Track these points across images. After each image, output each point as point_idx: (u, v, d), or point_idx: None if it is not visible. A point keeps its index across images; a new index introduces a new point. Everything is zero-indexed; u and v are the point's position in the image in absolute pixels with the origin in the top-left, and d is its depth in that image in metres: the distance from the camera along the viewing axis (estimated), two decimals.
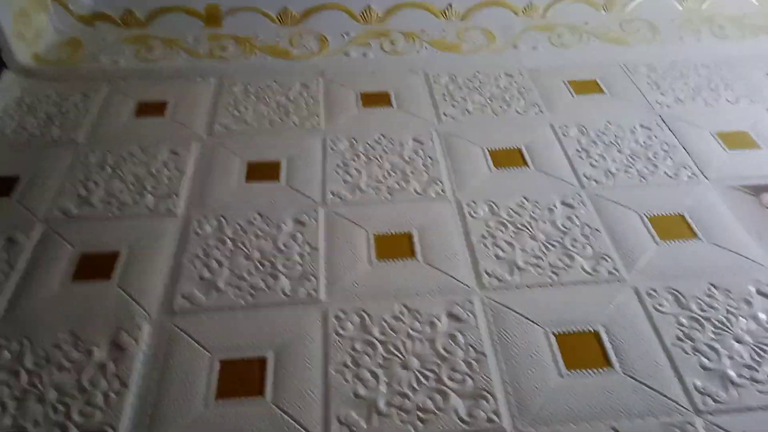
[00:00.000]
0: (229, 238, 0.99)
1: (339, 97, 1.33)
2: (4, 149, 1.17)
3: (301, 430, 0.75)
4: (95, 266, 0.95)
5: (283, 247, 0.98)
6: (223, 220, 1.02)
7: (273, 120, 1.25)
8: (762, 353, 0.83)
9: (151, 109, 1.28)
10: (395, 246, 0.99)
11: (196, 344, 0.84)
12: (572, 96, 1.34)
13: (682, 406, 0.78)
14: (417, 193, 1.08)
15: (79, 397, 0.78)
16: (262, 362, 0.83)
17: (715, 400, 0.78)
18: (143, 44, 1.45)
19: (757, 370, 0.81)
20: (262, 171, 1.13)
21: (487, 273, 0.94)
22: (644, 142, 1.20)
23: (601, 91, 1.36)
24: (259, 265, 0.95)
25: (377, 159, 1.15)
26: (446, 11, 1.54)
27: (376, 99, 1.33)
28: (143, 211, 1.04)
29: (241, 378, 0.81)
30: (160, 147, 1.17)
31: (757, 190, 1.10)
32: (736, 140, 1.22)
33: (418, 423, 0.76)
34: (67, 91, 1.32)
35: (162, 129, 1.23)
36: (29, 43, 1.37)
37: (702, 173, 1.13)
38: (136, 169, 1.13)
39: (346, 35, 1.50)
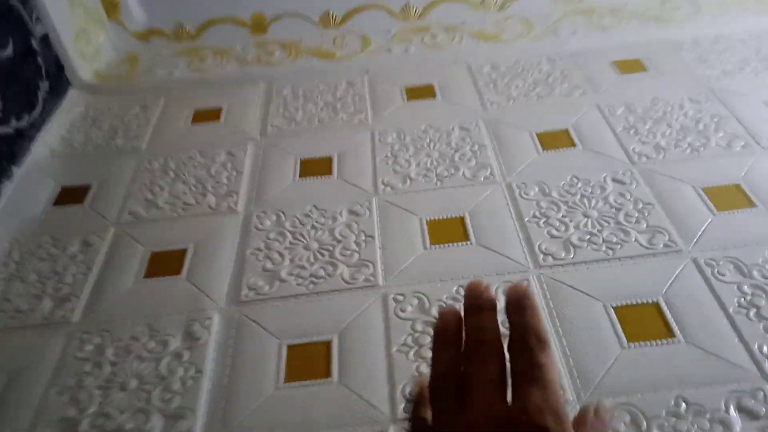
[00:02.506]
0: (288, 231, 1.03)
1: (384, 93, 1.36)
2: (75, 160, 1.24)
3: (370, 407, 0.78)
4: (165, 263, 1.00)
5: (340, 237, 1.01)
6: (281, 214, 1.07)
7: (322, 118, 1.29)
8: None
9: (206, 115, 1.34)
10: (448, 230, 1.01)
11: (264, 331, 0.88)
12: (617, 76, 1.34)
13: (751, 373, 0.77)
14: (466, 178, 1.10)
15: (158, 384, 0.83)
16: (327, 345, 0.86)
17: None
18: (195, 55, 1.51)
19: None
20: (315, 167, 1.17)
21: (542, 251, 0.95)
22: (694, 116, 1.19)
23: (645, 69, 1.35)
24: (318, 254, 0.99)
25: (425, 148, 1.18)
26: (483, 2, 1.56)
27: (420, 92, 1.35)
28: (206, 210, 1.10)
29: (309, 361, 0.85)
30: (218, 150, 1.23)
31: None
32: None
33: None
34: (127, 104, 1.39)
35: (218, 133, 1.29)
36: (90, 61, 1.45)
37: (756, 142, 1.12)
38: (197, 171, 1.18)
39: (387, 33, 1.54)
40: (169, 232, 1.06)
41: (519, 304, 0.48)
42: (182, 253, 1.02)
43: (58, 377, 0.85)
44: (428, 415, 0.50)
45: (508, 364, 0.46)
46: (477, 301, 0.51)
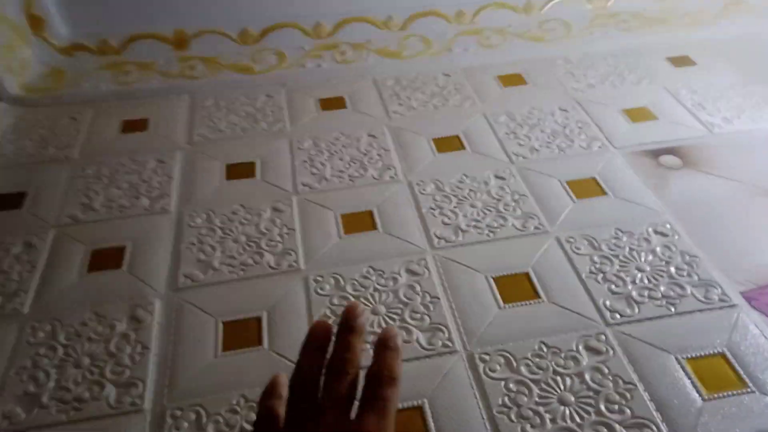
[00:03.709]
0: (218, 227, 1.17)
1: (300, 104, 1.52)
2: (9, 170, 1.32)
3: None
4: (106, 259, 1.11)
5: (264, 230, 1.16)
6: (211, 213, 1.20)
7: (244, 127, 1.44)
8: (658, 277, 1.05)
9: (134, 125, 1.45)
10: (359, 222, 1.18)
11: (202, 312, 1.02)
12: (500, 89, 1.56)
13: (596, 321, 0.98)
14: (374, 178, 1.28)
15: (109, 360, 0.95)
16: (258, 320, 1.01)
17: (621, 315, 0.99)
18: (120, 69, 1.61)
19: (654, 290, 1.03)
20: (239, 170, 1.31)
21: (437, 236, 1.14)
22: (562, 122, 1.42)
23: (525, 82, 1.58)
24: (246, 246, 1.13)
25: (338, 153, 1.35)
26: (387, 22, 1.75)
27: (332, 103, 1.52)
28: (141, 211, 1.21)
29: (242, 334, 0.99)
30: (148, 157, 1.35)
31: (655, 153, 1.33)
32: (638, 114, 1.45)
33: None
34: (56, 116, 1.48)
35: (147, 142, 1.40)
36: (17, 75, 1.53)
37: (610, 143, 1.36)
38: (129, 177, 1.29)
39: (301, 49, 1.70)
40: (108, 232, 1.17)
41: (386, 343, 0.56)
42: (122, 249, 1.13)
43: (14, 360, 0.95)
44: (279, 408, 0.56)
45: (361, 383, 0.55)
46: (351, 323, 0.57)
